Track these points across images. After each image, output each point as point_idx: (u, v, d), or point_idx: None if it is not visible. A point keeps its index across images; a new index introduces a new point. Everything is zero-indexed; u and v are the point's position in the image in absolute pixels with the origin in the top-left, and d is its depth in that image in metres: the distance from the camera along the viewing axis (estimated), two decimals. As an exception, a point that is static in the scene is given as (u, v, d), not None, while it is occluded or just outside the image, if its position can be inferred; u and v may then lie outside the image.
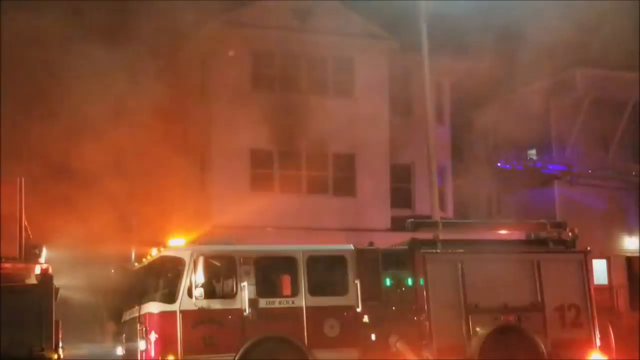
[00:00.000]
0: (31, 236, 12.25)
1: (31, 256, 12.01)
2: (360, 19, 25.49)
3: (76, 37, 20.48)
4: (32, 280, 11.84)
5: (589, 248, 16.09)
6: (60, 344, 11.74)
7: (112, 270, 16.99)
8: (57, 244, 13.24)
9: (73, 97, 19.90)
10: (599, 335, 15.22)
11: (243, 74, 24.54)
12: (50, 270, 11.95)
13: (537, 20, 23.84)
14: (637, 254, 30.23)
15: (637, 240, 30.30)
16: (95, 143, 18.89)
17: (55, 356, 11.29)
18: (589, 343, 15.11)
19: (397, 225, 21.14)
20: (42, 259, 12.13)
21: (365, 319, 14.27)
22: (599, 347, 15.15)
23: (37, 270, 12.00)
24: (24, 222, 12.02)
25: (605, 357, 15.20)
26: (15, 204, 11.99)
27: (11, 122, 19.34)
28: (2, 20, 20.83)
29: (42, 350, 11.20)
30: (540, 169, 27.43)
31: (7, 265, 11.80)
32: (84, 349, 15.37)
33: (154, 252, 14.43)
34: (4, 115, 19.04)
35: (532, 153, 30.88)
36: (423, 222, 17.10)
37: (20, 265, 11.92)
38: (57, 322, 11.63)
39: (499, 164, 28.89)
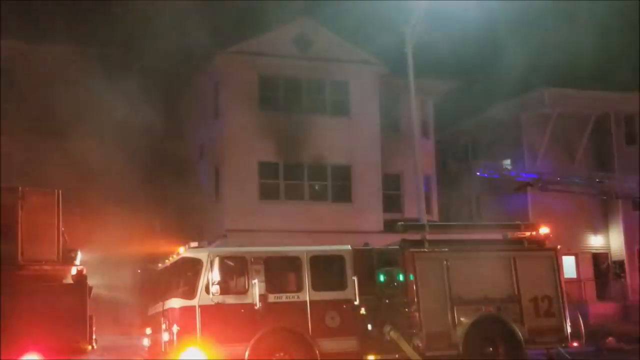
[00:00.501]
0: (68, 241, 12.23)
1: (68, 259, 11.98)
2: (353, 47, 25.55)
3: (110, 66, 20.55)
4: (69, 280, 11.85)
5: (558, 246, 16.08)
6: (94, 336, 11.72)
7: (139, 271, 16.96)
8: (90, 247, 13.23)
9: (105, 118, 19.98)
10: (569, 323, 15.15)
11: (251, 96, 24.55)
12: (84, 271, 11.97)
13: (509, 45, 23.98)
14: (602, 251, 30.34)
15: (602, 239, 30.39)
16: (125, 159, 18.95)
17: (90, 347, 11.30)
18: (560, 330, 15.06)
19: (389, 227, 21.13)
20: (77, 261, 12.10)
21: (362, 310, 14.19)
22: (570, 333, 15.10)
23: (73, 271, 12.03)
24: (62, 229, 12.02)
25: (575, 343, 15.17)
26: (54, 213, 11.98)
27: (50, 138, 19.38)
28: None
29: (78, 342, 11.22)
30: (514, 177, 27.45)
31: (46, 267, 11.81)
32: (115, 341, 15.33)
33: (175, 254, 14.46)
34: (45, 134, 19.08)
35: (507, 163, 30.92)
36: (412, 225, 17.05)
37: (58, 267, 11.91)
38: (90, 317, 11.63)
39: (478, 173, 28.92)
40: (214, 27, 21.28)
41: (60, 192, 12.03)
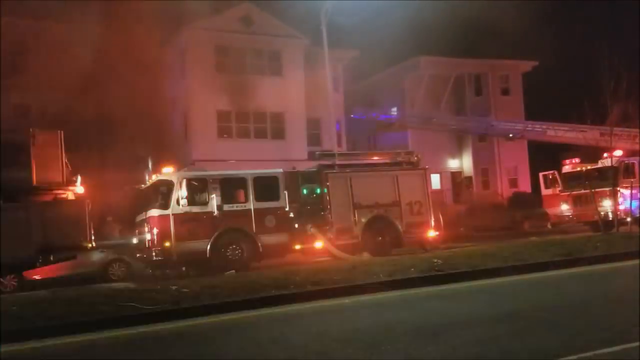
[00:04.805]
0: (70, 168, 11.65)
1: (70, 182, 11.46)
2: (284, 25, 24.82)
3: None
4: (72, 197, 11.38)
5: (427, 166, 16.44)
6: (93, 237, 11.36)
7: (127, 189, 16.38)
8: (89, 173, 12.63)
9: (100, 81, 18.57)
10: (433, 219, 15.63)
11: (209, 61, 23.67)
12: (83, 191, 11.51)
13: (396, 23, 23.63)
14: (457, 170, 31.36)
15: (457, 162, 31.35)
16: (119, 110, 17.85)
17: (89, 245, 10.99)
18: (427, 224, 15.53)
19: (311, 156, 21.07)
20: (78, 184, 11.59)
21: (291, 214, 14.28)
22: (433, 226, 15.61)
23: (76, 190, 11.56)
24: (65, 160, 11.43)
25: (437, 232, 15.69)
26: (58, 148, 11.40)
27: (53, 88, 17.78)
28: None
29: (81, 241, 10.89)
30: (375, 118, 28.21)
31: (54, 188, 11.28)
32: (109, 241, 14.88)
33: (154, 177, 14.05)
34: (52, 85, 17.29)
35: (394, 110, 31.19)
36: (326, 153, 17.05)
37: (64, 188, 11.40)
38: (90, 224, 11.27)
39: (352, 116, 29.39)
40: (180, 6, 19.96)
41: (62, 132, 11.39)
